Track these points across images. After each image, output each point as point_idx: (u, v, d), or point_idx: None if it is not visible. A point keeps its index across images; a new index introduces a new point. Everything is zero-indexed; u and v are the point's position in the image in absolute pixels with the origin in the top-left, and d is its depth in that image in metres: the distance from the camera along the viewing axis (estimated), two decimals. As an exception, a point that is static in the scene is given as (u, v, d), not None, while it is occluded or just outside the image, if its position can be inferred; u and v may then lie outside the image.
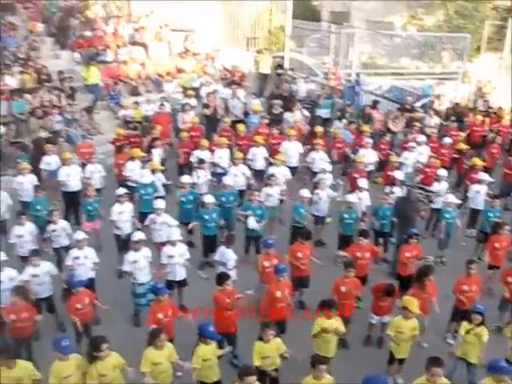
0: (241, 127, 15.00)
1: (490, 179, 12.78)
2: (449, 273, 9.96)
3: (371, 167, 14.03)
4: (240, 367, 6.74)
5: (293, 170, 13.61)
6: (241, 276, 9.56)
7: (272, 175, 12.08)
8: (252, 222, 10.90)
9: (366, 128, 15.18)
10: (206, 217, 10.83)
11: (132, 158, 12.78)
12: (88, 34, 20.06)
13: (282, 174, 12.57)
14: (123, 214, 10.68)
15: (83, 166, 13.06)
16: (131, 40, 20.66)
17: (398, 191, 12.08)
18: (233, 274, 9.18)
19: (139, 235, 9.40)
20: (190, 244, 10.82)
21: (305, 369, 6.83)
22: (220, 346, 7.48)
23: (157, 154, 13.68)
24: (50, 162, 13.04)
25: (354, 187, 12.44)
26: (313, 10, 29.98)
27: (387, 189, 12.05)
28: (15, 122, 15.39)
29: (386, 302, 8.84)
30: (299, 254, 9.68)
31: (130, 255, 9.26)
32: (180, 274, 9.57)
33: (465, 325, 7.92)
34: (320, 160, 13.52)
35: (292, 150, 14.11)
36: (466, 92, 21.40)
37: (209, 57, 20.68)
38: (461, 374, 8.02)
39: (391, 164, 13.43)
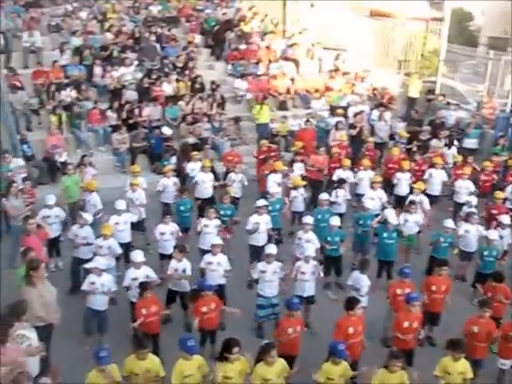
0: (395, 151, 14.79)
1: None
2: None
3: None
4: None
5: (434, 198, 13.16)
6: (370, 301, 9.35)
7: (412, 202, 11.73)
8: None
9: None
10: (329, 238, 10.72)
11: (274, 171, 12.95)
12: (242, 47, 20.77)
13: (420, 202, 12.17)
14: (260, 224, 10.80)
15: (226, 173, 13.47)
16: (283, 55, 21.06)
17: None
18: (364, 300, 9.00)
19: (272, 249, 9.45)
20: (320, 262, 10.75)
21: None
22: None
23: (298, 168, 13.79)
24: (194, 168, 13.55)
25: (490, 223, 11.85)
26: (469, 34, 28.92)
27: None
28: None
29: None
30: (433, 288, 9.28)
31: (260, 265, 9.38)
32: (309, 291, 9.52)
33: None
34: (465, 189, 13.09)
35: (437, 177, 13.67)
36: None
37: (358, 76, 20.55)
38: None
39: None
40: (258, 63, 20.11)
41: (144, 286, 8.42)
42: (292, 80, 19.88)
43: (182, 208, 11.73)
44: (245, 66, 19.94)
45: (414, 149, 15.55)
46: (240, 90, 18.97)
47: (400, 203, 13.02)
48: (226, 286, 9.75)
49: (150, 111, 16.53)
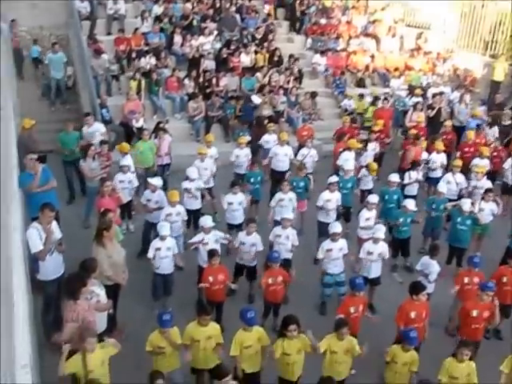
0: (470, 134, 14.26)
1: None
2: None
3: None
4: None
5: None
6: (437, 288, 9.14)
7: (489, 190, 11.29)
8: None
9: None
10: (401, 219, 10.48)
11: (348, 149, 12.79)
12: (323, 21, 20.43)
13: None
14: (330, 201, 10.70)
15: (299, 147, 13.39)
16: (364, 31, 20.63)
17: None
18: (431, 286, 8.81)
19: (337, 227, 9.36)
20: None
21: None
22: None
23: (371, 148, 13.56)
24: (268, 140, 13.58)
25: None
26: None
27: None
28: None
29: None
30: (504, 279, 8.92)
31: (326, 243, 9.31)
32: (375, 272, 9.38)
33: None
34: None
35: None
36: None
37: (440, 57, 19.87)
38: None
39: None
40: (337, 38, 19.80)
41: (212, 253, 8.51)
42: (372, 57, 19.47)
43: (252, 180, 11.77)
44: (324, 41, 19.67)
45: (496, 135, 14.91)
46: (318, 65, 18.73)
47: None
48: (293, 260, 9.71)
49: (226, 81, 16.58)
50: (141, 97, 15.59)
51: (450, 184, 11.88)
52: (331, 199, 10.72)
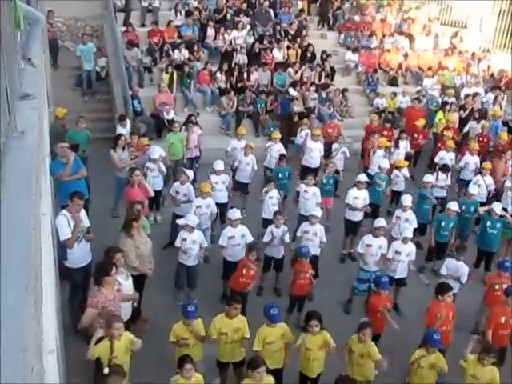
0: (503, 135, 14.07)
1: None
2: None
3: None
4: None
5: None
6: (464, 292, 9.02)
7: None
8: None
9: None
10: (443, 223, 10.38)
11: (378, 147, 12.68)
12: (357, 18, 20.31)
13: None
14: (358, 199, 10.64)
15: (325, 145, 13.34)
16: (398, 29, 20.46)
17: None
18: (456, 286, 8.71)
19: (383, 222, 9.32)
20: (417, 245, 10.42)
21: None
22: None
23: (403, 146, 13.43)
24: (300, 135, 13.52)
25: None
26: None
27: None
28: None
29: None
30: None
31: (366, 238, 9.28)
32: (401, 273, 9.30)
33: None
34: None
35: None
36: None
37: (475, 57, 19.62)
38: None
39: None
40: (371, 36, 19.64)
41: (251, 247, 8.56)
42: (405, 55, 19.30)
43: (280, 175, 11.77)
44: (357, 38, 19.55)
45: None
46: (351, 63, 18.62)
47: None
48: (320, 257, 9.70)
49: (258, 76, 16.57)
50: (172, 89, 15.66)
51: (480, 187, 11.72)
52: (359, 197, 10.65)
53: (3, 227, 3.01)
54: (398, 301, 9.38)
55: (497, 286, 8.71)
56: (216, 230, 10.61)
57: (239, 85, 16.30)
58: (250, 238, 9.16)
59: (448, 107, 15.57)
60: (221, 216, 10.71)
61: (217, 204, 10.29)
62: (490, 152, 14.04)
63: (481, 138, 14.25)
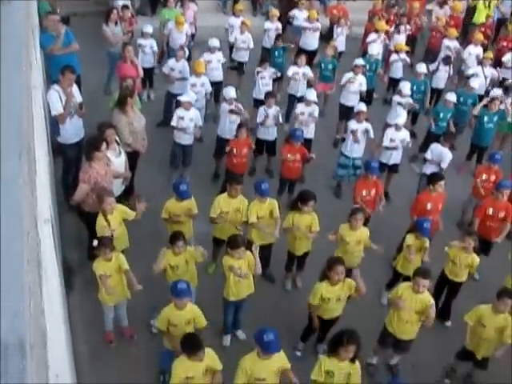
0: (511, 27, 13.60)
1: None
2: None
3: None
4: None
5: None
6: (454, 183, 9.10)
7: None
8: None
9: None
10: (441, 114, 10.29)
11: (376, 31, 12.39)
12: None
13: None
14: (353, 83, 10.47)
15: (330, 27, 12.93)
16: None
17: None
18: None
19: (362, 107, 9.24)
20: (411, 134, 10.30)
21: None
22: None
23: (402, 31, 12.95)
24: (298, 16, 13.02)
25: None
26: None
27: None
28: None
29: None
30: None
31: (351, 123, 9.23)
32: (395, 159, 9.32)
33: None
34: None
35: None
36: None
37: None
38: None
39: None
40: None
41: (240, 126, 8.50)
42: None
43: (276, 53, 11.51)
44: None
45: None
46: None
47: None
48: (313, 141, 9.69)
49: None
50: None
51: (479, 77, 11.51)
52: (354, 81, 10.49)
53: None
54: (388, 188, 9.49)
55: (485, 178, 8.76)
56: (210, 108, 10.50)
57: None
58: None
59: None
60: (215, 95, 10.54)
61: (212, 83, 10.10)
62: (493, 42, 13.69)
63: (483, 29, 13.80)
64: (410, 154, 10.43)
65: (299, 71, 10.49)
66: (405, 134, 9.23)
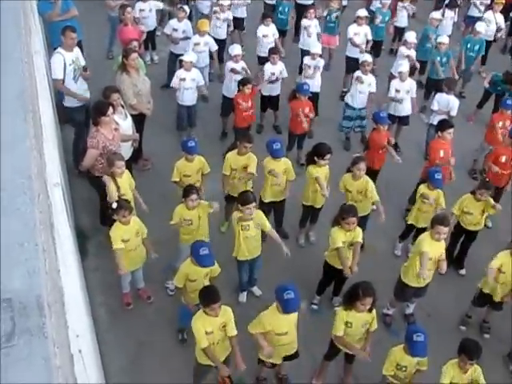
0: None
1: None
2: None
3: None
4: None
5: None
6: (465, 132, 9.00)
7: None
8: None
9: None
10: (438, 58, 10.07)
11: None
12: None
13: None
14: (358, 35, 10.36)
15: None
16: None
17: None
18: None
19: (368, 57, 9.15)
20: (418, 84, 10.15)
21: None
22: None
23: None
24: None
25: None
26: None
27: None
28: None
29: None
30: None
31: (357, 73, 9.13)
32: (404, 111, 9.16)
33: None
34: None
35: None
36: None
37: None
38: None
39: None
40: None
41: (244, 82, 8.37)
42: None
43: (280, 9, 11.34)
44: None
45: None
46: None
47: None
48: (320, 95, 9.59)
49: None
50: None
51: (490, 23, 11.27)
52: (359, 33, 10.34)
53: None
54: (397, 140, 9.36)
55: (499, 125, 8.59)
56: (214, 67, 10.42)
57: None
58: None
59: None
60: (219, 53, 10.38)
61: (216, 40, 9.96)
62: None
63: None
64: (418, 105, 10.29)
65: (311, 24, 10.39)
66: (411, 84, 9.07)
